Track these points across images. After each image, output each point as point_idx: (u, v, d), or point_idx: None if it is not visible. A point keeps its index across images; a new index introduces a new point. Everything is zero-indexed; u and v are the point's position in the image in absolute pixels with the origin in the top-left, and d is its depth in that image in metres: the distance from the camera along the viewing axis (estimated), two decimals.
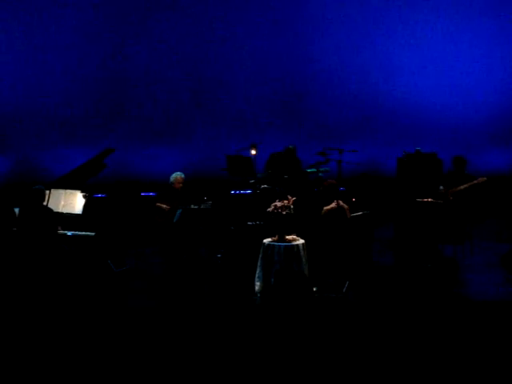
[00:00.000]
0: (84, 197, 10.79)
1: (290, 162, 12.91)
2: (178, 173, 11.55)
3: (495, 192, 13.79)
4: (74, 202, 10.80)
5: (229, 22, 14.90)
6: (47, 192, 10.55)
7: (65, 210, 10.70)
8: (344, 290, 9.96)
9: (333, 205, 10.51)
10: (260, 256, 9.78)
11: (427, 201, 11.23)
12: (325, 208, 10.55)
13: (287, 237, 9.82)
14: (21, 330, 8.39)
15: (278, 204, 9.82)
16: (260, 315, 9.13)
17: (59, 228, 10.35)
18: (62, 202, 10.76)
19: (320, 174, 12.40)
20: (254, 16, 14.96)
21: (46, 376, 7.17)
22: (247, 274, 10.08)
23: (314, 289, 9.80)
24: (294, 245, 9.71)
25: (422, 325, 8.47)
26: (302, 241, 9.83)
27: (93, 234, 10.51)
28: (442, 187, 11.73)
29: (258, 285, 9.77)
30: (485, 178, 11.83)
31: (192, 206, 11.07)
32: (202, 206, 11.05)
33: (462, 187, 11.76)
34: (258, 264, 9.79)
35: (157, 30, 14.72)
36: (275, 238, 9.82)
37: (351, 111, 15.23)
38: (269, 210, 9.87)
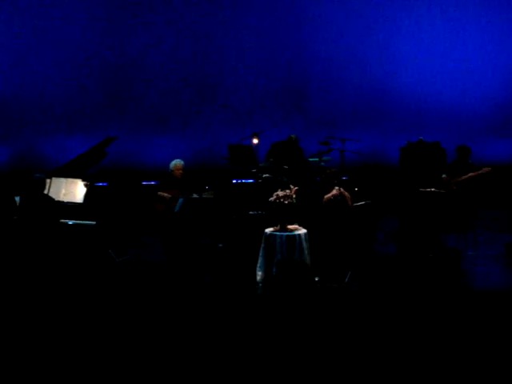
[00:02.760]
0: (85, 185, 10.75)
1: (291, 151, 12.85)
2: (178, 160, 11.51)
3: (499, 182, 13.74)
4: (75, 190, 10.76)
5: (230, 10, 14.82)
6: (48, 181, 10.51)
7: (66, 199, 10.66)
8: (346, 279, 9.93)
9: (334, 192, 10.48)
10: (262, 246, 9.75)
11: (430, 190, 11.19)
12: (325, 196, 10.52)
13: (289, 226, 9.78)
14: (22, 318, 8.37)
15: (280, 193, 9.78)
16: (262, 305, 9.10)
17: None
18: (63, 191, 10.72)
19: (322, 164, 12.35)
20: (256, 5, 14.89)
21: (46, 363, 7.16)
22: (249, 264, 10.05)
23: (316, 279, 9.78)
24: (295, 234, 9.67)
25: (425, 315, 8.43)
26: (304, 230, 9.79)
27: (94, 223, 10.46)
28: (444, 175, 11.68)
29: (259, 274, 9.74)
30: (489, 168, 11.79)
31: (194, 196, 11.03)
32: (203, 196, 11.01)
33: (465, 177, 11.71)
34: (260, 254, 9.76)
35: (157, 20, 14.64)
36: (277, 228, 9.78)
37: (354, 100, 15.18)
38: (271, 199, 9.83)
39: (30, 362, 7.21)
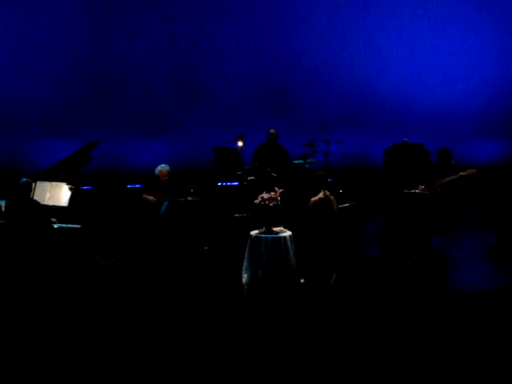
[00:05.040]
0: (70, 189, 10.73)
1: (275, 152, 12.87)
2: (163, 165, 11.48)
3: (482, 183, 13.79)
4: (59, 194, 10.74)
5: (215, 14, 14.83)
6: (33, 184, 10.49)
7: (51, 203, 10.64)
8: (331, 281, 9.95)
9: (320, 195, 10.49)
10: (247, 248, 9.76)
11: (414, 192, 11.21)
12: (312, 199, 10.53)
13: (274, 229, 9.79)
14: (11, 322, 8.36)
15: (265, 196, 9.79)
16: (247, 307, 9.11)
17: (54, 220, 10.31)
18: (48, 195, 10.70)
19: (307, 166, 12.39)
20: (240, 9, 14.90)
21: (31, 368, 7.15)
22: (234, 266, 10.05)
23: (302, 281, 9.79)
24: (281, 237, 9.68)
25: (409, 316, 8.46)
26: (289, 233, 9.80)
27: (79, 226, 10.45)
28: (421, 186, 11.55)
29: (245, 277, 9.74)
30: (474, 170, 11.78)
31: (179, 199, 11.03)
32: (188, 198, 11.01)
33: (450, 178, 11.73)
34: (245, 256, 9.76)
35: (144, 22, 14.64)
36: (262, 230, 9.79)
37: (339, 102, 15.21)
38: (256, 201, 9.83)
39: (18, 367, 7.20)
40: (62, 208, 10.62)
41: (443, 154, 12.01)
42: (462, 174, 11.72)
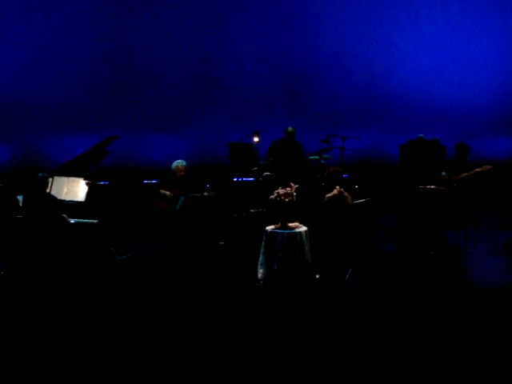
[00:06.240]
0: (87, 184, 10.80)
1: (291, 148, 12.87)
2: (179, 161, 11.51)
3: (499, 179, 13.76)
4: (76, 189, 10.80)
5: (232, 8, 14.85)
6: (50, 179, 10.56)
7: (68, 198, 10.71)
8: (347, 277, 9.97)
9: (334, 191, 10.49)
10: (263, 243, 9.78)
11: (430, 188, 11.21)
12: (327, 195, 10.54)
13: (290, 224, 9.81)
14: (28, 316, 8.42)
15: (281, 191, 9.81)
16: (263, 302, 9.13)
17: (65, 216, 10.37)
18: (65, 190, 10.77)
19: (322, 161, 12.39)
20: (257, 3, 14.91)
21: (48, 360, 7.20)
22: (250, 262, 10.08)
23: (317, 276, 9.81)
24: (296, 232, 9.70)
25: (425, 312, 8.47)
26: (304, 228, 9.82)
27: (96, 221, 10.51)
28: (444, 173, 11.68)
29: (260, 272, 9.76)
30: (490, 166, 11.77)
31: (195, 194, 11.07)
32: (204, 194, 11.05)
33: (465, 174, 11.72)
34: (261, 251, 9.79)
35: (160, 16, 14.67)
36: (278, 226, 9.81)
37: (354, 98, 15.19)
38: (271, 197, 9.86)
39: (34, 359, 7.25)
40: (79, 203, 10.68)
41: (461, 148, 11.99)
42: (477, 170, 11.70)
